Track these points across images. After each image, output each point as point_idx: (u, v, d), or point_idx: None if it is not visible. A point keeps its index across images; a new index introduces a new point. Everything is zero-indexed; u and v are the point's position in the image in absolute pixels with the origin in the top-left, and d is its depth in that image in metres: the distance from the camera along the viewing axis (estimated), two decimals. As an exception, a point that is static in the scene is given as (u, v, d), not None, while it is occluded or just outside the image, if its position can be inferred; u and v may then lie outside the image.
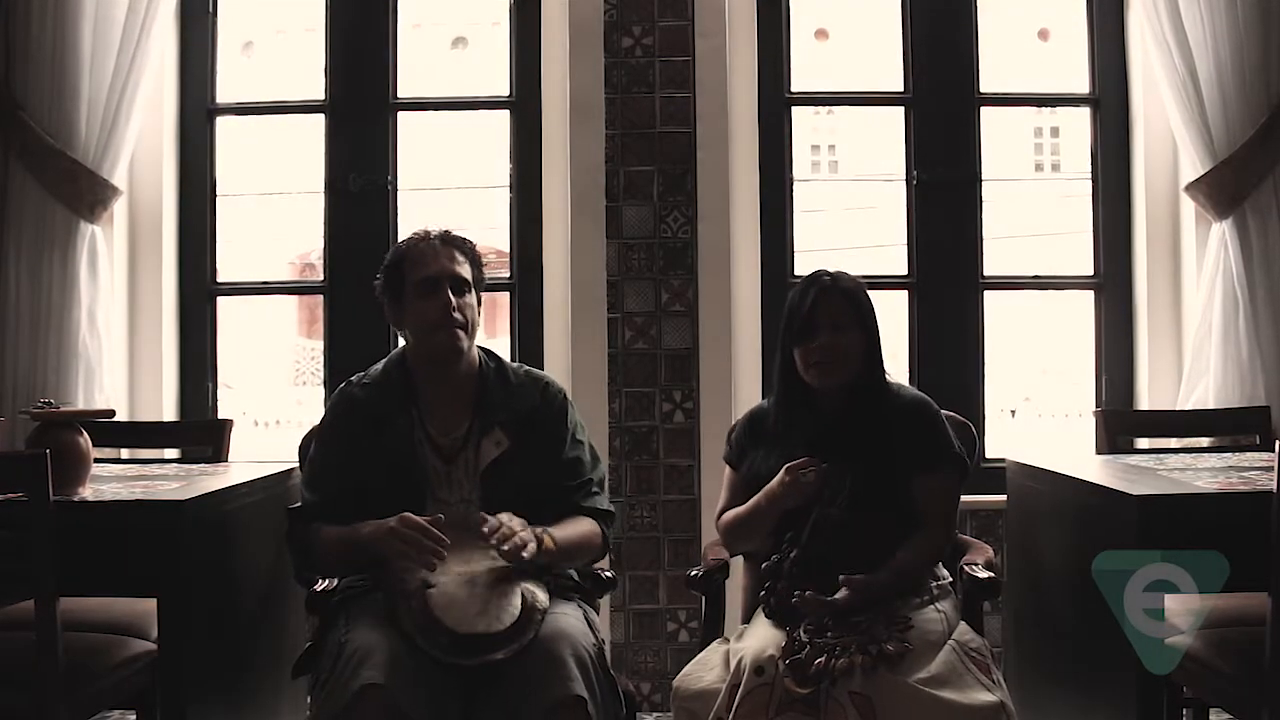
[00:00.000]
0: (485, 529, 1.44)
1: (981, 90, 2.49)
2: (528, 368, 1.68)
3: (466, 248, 1.61)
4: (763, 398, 2.37)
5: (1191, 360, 2.30)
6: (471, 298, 1.59)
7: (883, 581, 1.50)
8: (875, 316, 1.63)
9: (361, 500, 1.55)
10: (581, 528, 1.57)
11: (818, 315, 1.59)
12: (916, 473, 1.58)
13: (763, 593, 1.56)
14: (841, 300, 1.60)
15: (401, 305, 1.58)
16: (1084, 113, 2.56)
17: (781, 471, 1.57)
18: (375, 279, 1.62)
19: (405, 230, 2.49)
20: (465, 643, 1.39)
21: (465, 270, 1.58)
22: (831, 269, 1.65)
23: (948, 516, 1.61)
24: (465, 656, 1.39)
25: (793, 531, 1.56)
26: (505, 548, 1.43)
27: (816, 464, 1.55)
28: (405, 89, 2.53)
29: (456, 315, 1.55)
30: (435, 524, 1.45)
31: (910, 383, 2.26)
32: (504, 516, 1.47)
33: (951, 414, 1.74)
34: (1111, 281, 2.50)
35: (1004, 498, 2.09)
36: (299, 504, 1.62)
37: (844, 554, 1.52)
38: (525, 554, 1.44)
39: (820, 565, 1.52)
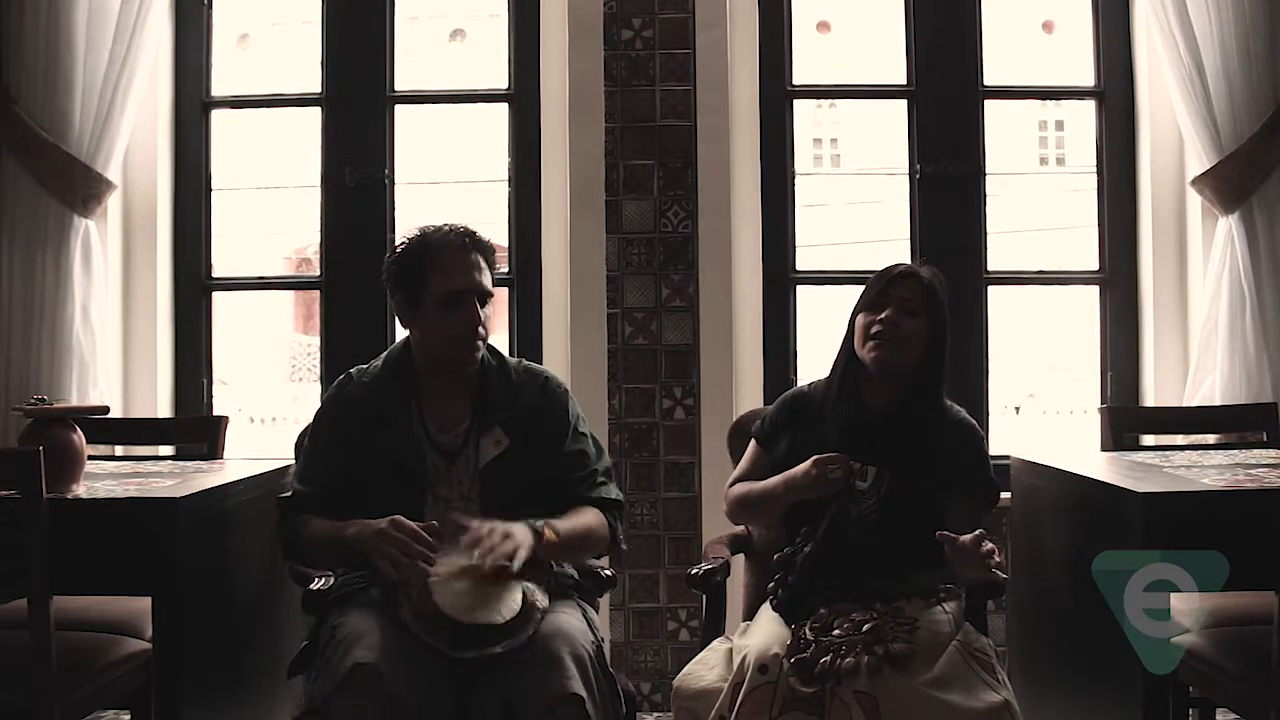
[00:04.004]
0: (466, 539, 1.40)
1: (985, 83, 2.47)
2: (527, 363, 1.66)
3: (490, 253, 1.56)
4: (764, 394, 2.36)
5: (1198, 356, 2.29)
6: (490, 307, 1.56)
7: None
8: (947, 320, 1.59)
9: (357, 495, 1.54)
10: (586, 519, 1.55)
11: (890, 292, 1.58)
12: (955, 494, 1.56)
13: (771, 584, 1.55)
14: (919, 287, 1.58)
15: (418, 305, 1.54)
16: (1089, 106, 2.54)
17: (809, 462, 1.54)
18: (386, 266, 1.56)
19: (403, 225, 2.47)
20: (465, 633, 1.38)
21: (489, 281, 1.55)
22: (919, 264, 1.63)
23: None
24: (464, 648, 1.38)
25: (809, 526, 1.54)
26: (488, 564, 1.38)
27: (845, 461, 1.52)
28: (403, 82, 2.51)
29: (481, 330, 1.53)
30: (429, 530, 1.42)
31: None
32: (484, 527, 1.41)
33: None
34: (1117, 277, 2.48)
35: (1008, 495, 2.07)
36: (289, 494, 1.59)
37: (860, 555, 1.51)
38: (514, 565, 1.40)
39: (834, 563, 1.51)
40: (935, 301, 1.59)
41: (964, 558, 1.41)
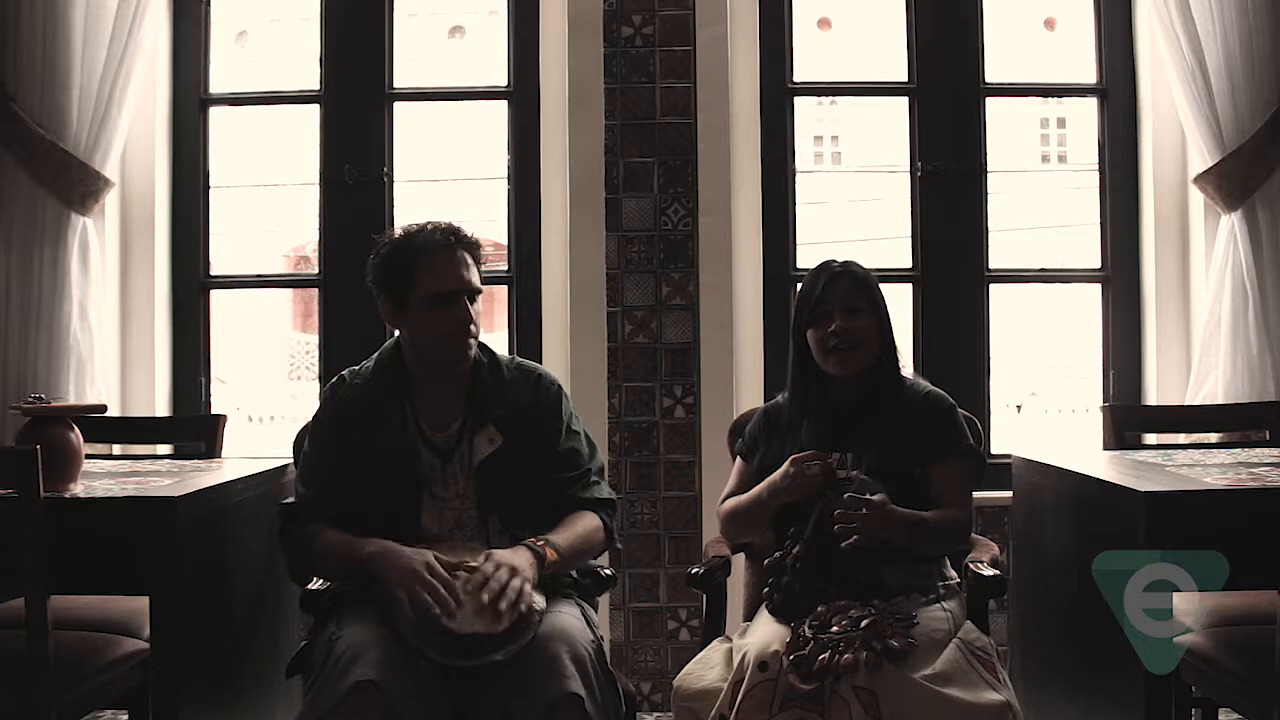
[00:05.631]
0: (473, 586, 1.39)
1: (987, 80, 2.46)
2: (519, 360, 1.65)
3: (476, 250, 1.56)
4: (765, 392, 2.36)
5: (1200, 355, 2.28)
6: (479, 304, 1.56)
7: (918, 520, 1.48)
8: (886, 304, 1.64)
9: (355, 498, 1.53)
10: (582, 526, 1.54)
11: (830, 299, 1.60)
12: (929, 465, 1.56)
13: (766, 589, 1.55)
14: (852, 284, 1.61)
15: (405, 306, 1.53)
16: (1091, 103, 2.53)
17: (787, 463, 1.55)
18: (370, 267, 1.55)
19: (402, 222, 2.46)
20: (464, 643, 1.37)
21: (477, 278, 1.54)
22: (840, 258, 1.66)
23: (965, 501, 1.59)
24: (464, 657, 1.37)
25: (796, 527, 1.54)
26: (506, 619, 1.37)
27: (822, 458, 1.54)
28: (401, 79, 2.50)
29: (472, 328, 1.53)
30: (454, 582, 1.40)
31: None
32: (489, 566, 1.40)
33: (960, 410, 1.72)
34: (1119, 275, 2.47)
35: (1010, 494, 2.06)
36: (292, 500, 1.59)
37: (849, 550, 1.50)
38: (524, 603, 1.39)
39: (824, 561, 1.51)
40: (872, 290, 1.62)
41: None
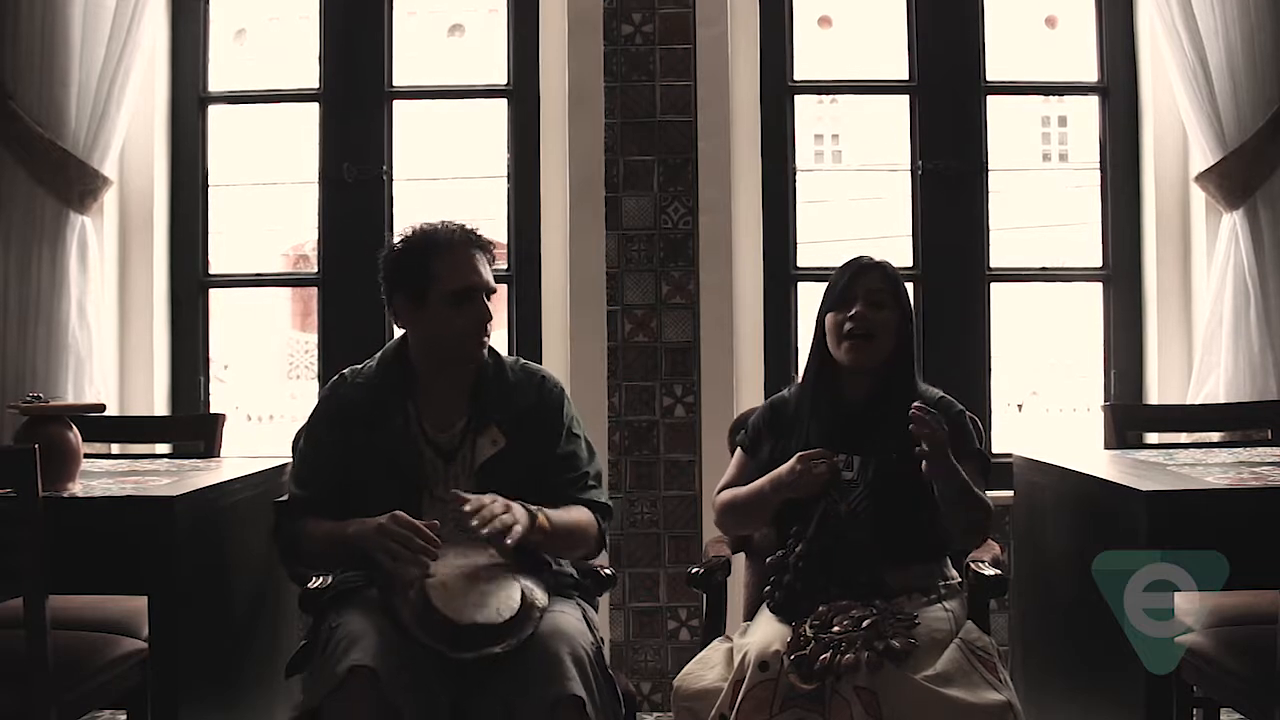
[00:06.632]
0: (466, 509, 1.39)
1: (988, 78, 2.46)
2: (524, 362, 1.65)
3: (490, 250, 1.57)
4: (765, 392, 2.35)
5: (1201, 354, 2.27)
6: (492, 303, 1.57)
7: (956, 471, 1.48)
8: (911, 307, 1.64)
9: (354, 497, 1.53)
10: (577, 515, 1.55)
11: (856, 288, 1.60)
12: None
13: (767, 588, 1.55)
14: (880, 278, 1.61)
15: (425, 303, 1.52)
16: (1092, 102, 2.52)
17: (793, 459, 1.54)
18: (386, 263, 1.55)
19: (401, 221, 2.46)
20: (463, 634, 1.37)
21: (492, 277, 1.56)
22: (877, 256, 1.67)
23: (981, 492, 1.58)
24: (462, 649, 1.37)
25: (798, 525, 1.54)
26: (485, 532, 1.38)
27: (829, 456, 1.53)
28: (401, 77, 2.50)
29: (488, 327, 1.54)
30: (430, 528, 1.42)
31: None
32: (485, 498, 1.42)
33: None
34: (1120, 273, 2.47)
35: (1011, 494, 2.06)
36: (285, 498, 1.59)
37: (852, 549, 1.50)
38: (509, 539, 1.40)
39: (826, 561, 1.50)
40: (900, 291, 1.62)
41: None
